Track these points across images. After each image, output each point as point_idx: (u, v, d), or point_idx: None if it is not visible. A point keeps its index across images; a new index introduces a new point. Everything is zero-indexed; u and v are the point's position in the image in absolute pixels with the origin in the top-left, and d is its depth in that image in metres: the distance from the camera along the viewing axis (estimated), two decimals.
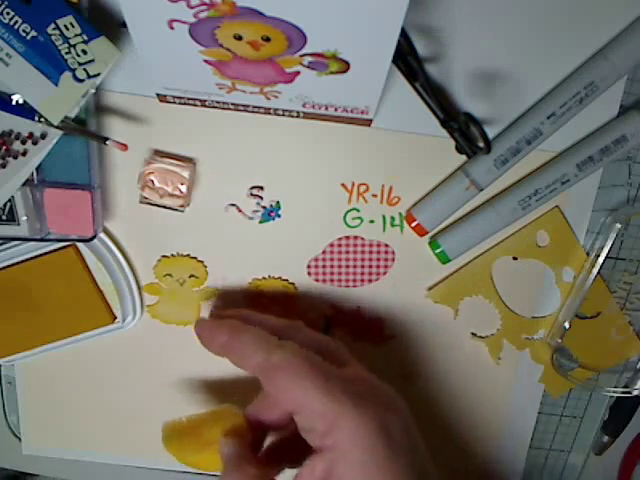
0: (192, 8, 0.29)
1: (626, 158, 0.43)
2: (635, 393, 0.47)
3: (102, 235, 0.42)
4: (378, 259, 0.44)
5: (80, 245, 0.43)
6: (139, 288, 0.45)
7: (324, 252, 0.44)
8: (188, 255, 0.44)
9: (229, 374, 0.48)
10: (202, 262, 0.44)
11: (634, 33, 0.38)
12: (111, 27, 0.36)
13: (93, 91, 0.36)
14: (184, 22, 0.30)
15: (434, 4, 0.37)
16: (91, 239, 0.41)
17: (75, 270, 0.43)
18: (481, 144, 0.37)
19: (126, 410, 0.49)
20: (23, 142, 0.37)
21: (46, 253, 0.42)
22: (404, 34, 0.34)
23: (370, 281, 0.45)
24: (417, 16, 0.38)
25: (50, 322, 0.44)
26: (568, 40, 0.39)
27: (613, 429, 0.49)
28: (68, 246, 0.42)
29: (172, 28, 0.30)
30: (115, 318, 0.45)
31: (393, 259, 0.45)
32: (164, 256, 0.44)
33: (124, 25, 0.31)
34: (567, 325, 0.46)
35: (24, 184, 0.38)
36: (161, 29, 0.31)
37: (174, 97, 0.38)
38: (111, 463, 0.51)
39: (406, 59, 0.36)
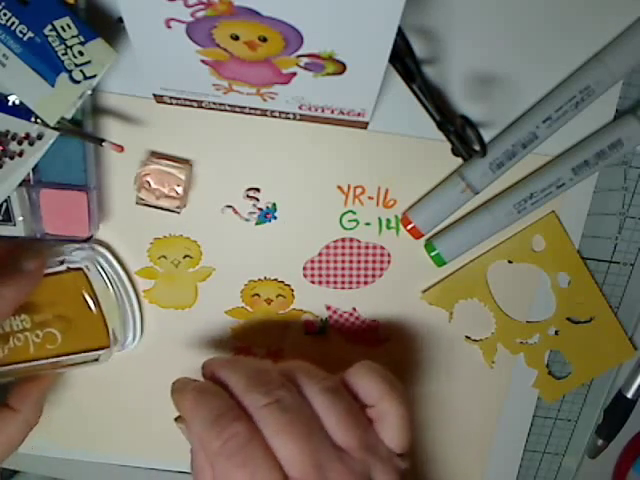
0: (189, 7, 0.29)
1: (622, 162, 0.43)
2: (629, 397, 0.47)
3: (107, 254, 0.42)
4: (374, 261, 0.44)
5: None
6: (140, 308, 0.45)
7: (320, 254, 0.44)
8: (181, 235, 0.44)
9: None
10: (195, 241, 0.44)
11: (630, 37, 0.39)
12: (108, 28, 0.36)
13: (90, 92, 0.36)
14: (181, 21, 0.30)
15: (433, 5, 0.38)
16: (86, 240, 0.41)
17: (77, 292, 0.41)
18: (477, 147, 0.37)
19: (125, 409, 0.48)
20: (19, 143, 0.37)
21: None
22: (402, 35, 0.34)
23: (366, 283, 0.45)
24: (415, 17, 0.38)
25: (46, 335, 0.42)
26: (564, 44, 0.39)
27: (607, 433, 0.49)
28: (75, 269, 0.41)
29: (169, 27, 0.31)
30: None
31: (389, 261, 0.45)
32: (157, 238, 0.43)
33: (120, 20, 0.31)
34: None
35: (20, 184, 0.38)
36: (158, 28, 0.31)
37: (171, 98, 0.38)
38: (109, 463, 0.51)
39: (404, 60, 0.36)
